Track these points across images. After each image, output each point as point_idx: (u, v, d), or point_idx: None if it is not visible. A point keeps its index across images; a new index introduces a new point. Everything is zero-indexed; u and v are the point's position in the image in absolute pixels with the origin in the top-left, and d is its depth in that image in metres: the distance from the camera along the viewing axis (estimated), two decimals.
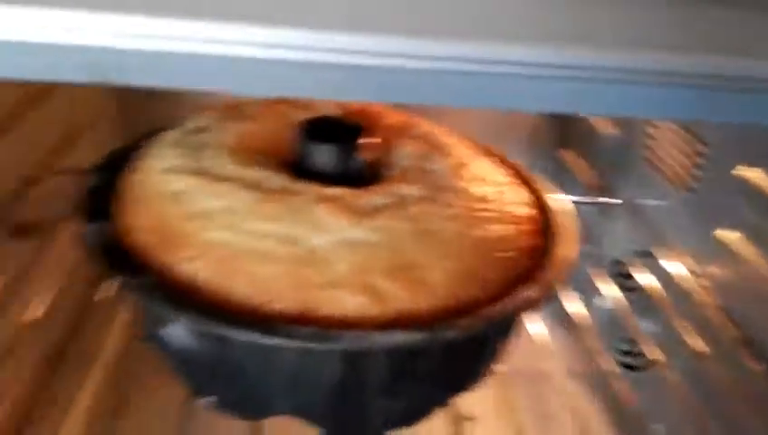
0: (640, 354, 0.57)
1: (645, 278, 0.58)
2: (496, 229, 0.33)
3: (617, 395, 0.48)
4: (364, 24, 0.23)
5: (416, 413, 0.35)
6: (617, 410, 0.59)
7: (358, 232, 0.31)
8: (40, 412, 0.42)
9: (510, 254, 0.33)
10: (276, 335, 0.27)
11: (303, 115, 0.39)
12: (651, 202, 0.57)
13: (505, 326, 0.34)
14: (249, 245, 0.30)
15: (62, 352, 0.53)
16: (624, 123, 0.62)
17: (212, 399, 0.34)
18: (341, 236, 0.30)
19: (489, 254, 0.32)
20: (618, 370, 0.59)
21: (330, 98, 0.30)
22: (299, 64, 0.23)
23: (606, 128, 0.64)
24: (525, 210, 0.37)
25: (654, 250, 0.55)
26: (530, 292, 0.31)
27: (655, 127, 0.56)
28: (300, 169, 0.36)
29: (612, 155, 0.64)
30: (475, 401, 0.60)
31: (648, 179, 0.57)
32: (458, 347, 0.32)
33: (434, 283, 0.30)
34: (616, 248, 0.61)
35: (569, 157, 0.73)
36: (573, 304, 0.69)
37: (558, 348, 0.66)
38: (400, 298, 0.29)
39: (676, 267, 0.52)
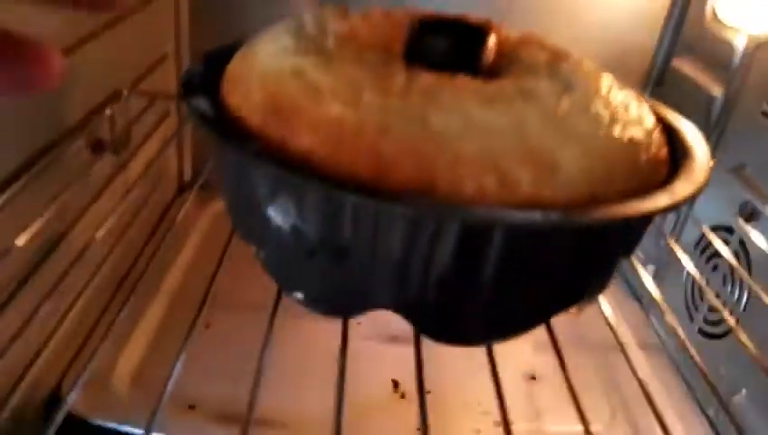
0: (720, 321, 0.53)
1: (732, 246, 0.54)
2: (636, 133, 0.30)
3: (695, 364, 0.44)
4: None
5: (520, 322, 0.32)
6: (694, 381, 0.55)
7: (488, 115, 0.28)
8: (107, 324, 0.41)
9: (649, 159, 0.30)
10: (398, 203, 0.25)
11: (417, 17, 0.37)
12: (761, 163, 0.53)
13: (635, 234, 0.31)
14: (371, 120, 0.28)
15: (134, 267, 0.53)
16: (734, 80, 0.57)
17: (302, 294, 0.32)
18: (470, 117, 0.28)
19: (628, 155, 0.29)
20: (696, 339, 0.55)
21: None
22: None
23: (712, 88, 0.60)
24: (656, 123, 0.34)
25: (758, 210, 0.51)
26: (673, 194, 0.28)
27: None
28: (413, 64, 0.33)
29: (717, 116, 0.59)
30: (541, 363, 0.57)
31: (760, 139, 0.53)
32: (585, 244, 0.29)
33: (570, 174, 0.27)
34: (705, 215, 0.57)
35: None
36: (649, 273, 0.65)
37: (630, 320, 0.63)
38: (533, 183, 0.26)
39: None
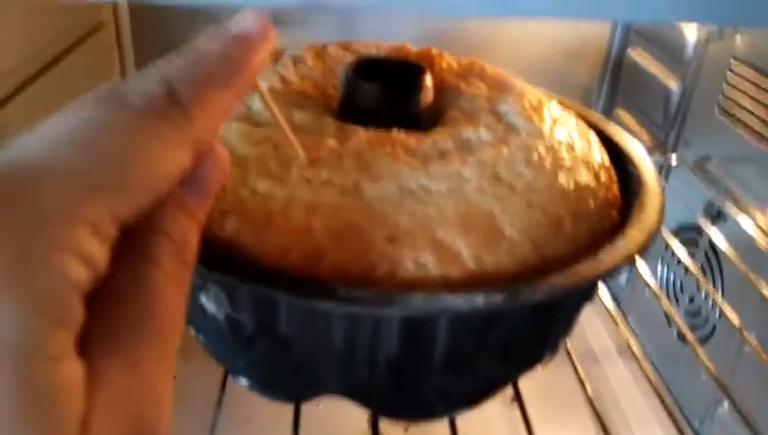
0: (697, 326, 0.53)
1: (702, 247, 0.53)
2: (581, 177, 0.29)
3: (679, 372, 0.44)
4: None
5: (478, 393, 0.30)
6: (677, 385, 0.55)
7: (422, 180, 0.26)
8: None
9: (598, 205, 0.28)
10: (332, 299, 0.23)
11: (352, 59, 0.35)
12: (721, 159, 0.52)
13: (591, 290, 0.29)
14: (298, 195, 0.26)
15: None
16: (688, 74, 0.56)
17: (247, 380, 0.30)
18: (403, 183, 0.26)
19: (576, 204, 0.27)
20: (676, 345, 0.55)
21: None
22: None
23: (667, 80, 0.59)
24: (606, 159, 0.32)
25: (723, 210, 0.50)
26: (626, 248, 0.26)
27: (730, 74, 0.51)
28: (348, 115, 0.31)
29: (675, 110, 0.58)
30: (522, 382, 0.56)
31: (718, 134, 0.52)
32: (536, 313, 0.27)
33: (514, 238, 0.26)
34: (678, 212, 0.56)
35: (626, 117, 0.67)
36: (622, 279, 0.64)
37: (610, 328, 0.62)
38: (474, 256, 0.25)
39: (746, 229, 0.47)
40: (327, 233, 0.25)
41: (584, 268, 0.25)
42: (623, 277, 0.63)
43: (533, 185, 0.27)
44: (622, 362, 0.58)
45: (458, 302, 0.23)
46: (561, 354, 0.56)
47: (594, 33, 0.69)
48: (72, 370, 0.14)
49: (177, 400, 0.16)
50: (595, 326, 0.63)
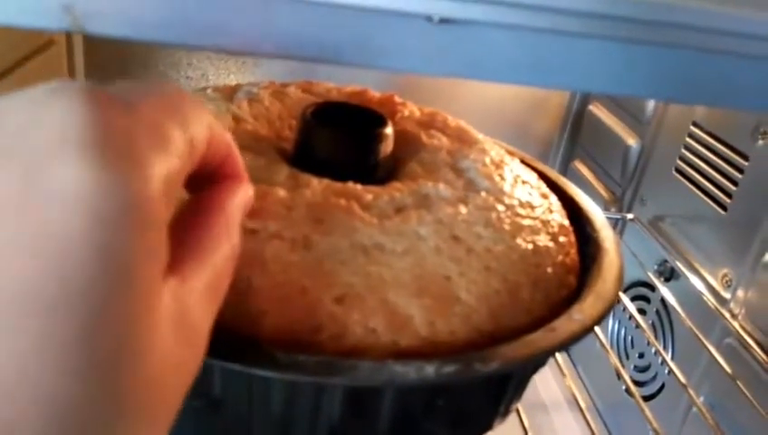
0: (652, 378, 0.53)
1: (653, 304, 0.53)
2: (541, 241, 0.28)
3: (627, 425, 0.43)
4: None
5: None
6: None
7: (376, 237, 0.25)
8: None
9: (556, 271, 0.28)
10: (272, 366, 0.21)
11: (312, 101, 0.34)
12: (676, 218, 0.53)
13: (546, 359, 0.28)
14: (246, 249, 0.24)
15: None
16: (648, 134, 0.57)
17: None
18: (357, 240, 0.25)
19: (534, 269, 0.27)
20: (628, 397, 0.54)
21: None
22: None
23: (627, 138, 0.59)
24: (566, 221, 0.31)
25: (676, 269, 0.51)
26: (583, 319, 0.25)
27: (687, 137, 0.52)
28: (303, 161, 0.30)
29: (633, 167, 0.59)
30: None
31: (674, 194, 0.53)
32: (488, 382, 0.26)
33: (469, 304, 0.24)
34: (633, 268, 0.56)
35: (584, 170, 0.68)
36: None
37: (557, 377, 0.61)
38: (427, 321, 0.24)
39: (698, 288, 0.48)
40: (271, 293, 0.23)
41: (540, 340, 0.24)
42: None
43: (492, 248, 0.26)
44: (570, 413, 0.57)
45: (409, 372, 0.21)
46: None
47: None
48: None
49: None
50: (544, 376, 0.62)
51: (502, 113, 0.69)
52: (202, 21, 0.22)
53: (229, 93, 0.35)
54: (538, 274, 0.27)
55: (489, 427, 0.28)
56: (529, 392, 0.52)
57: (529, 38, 0.21)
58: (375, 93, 0.38)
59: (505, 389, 0.26)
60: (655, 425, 0.42)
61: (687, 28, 0.22)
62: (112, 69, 0.66)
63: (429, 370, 0.21)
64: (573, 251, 0.30)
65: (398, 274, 0.24)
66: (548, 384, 0.62)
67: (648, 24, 0.22)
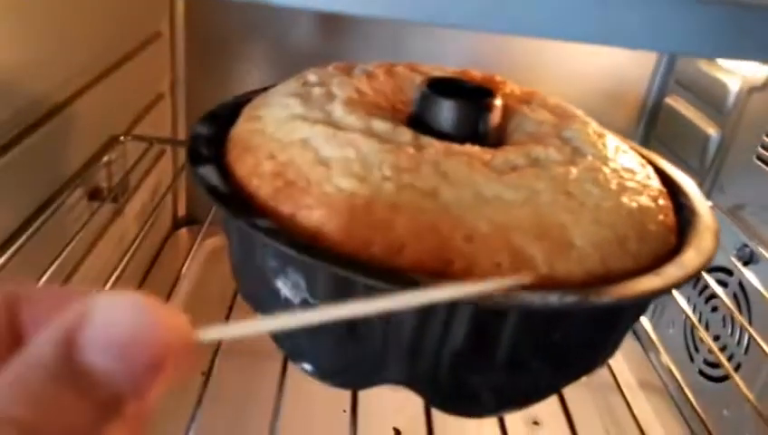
0: (720, 365, 0.54)
1: (731, 288, 0.54)
2: (643, 201, 0.30)
3: (695, 408, 0.45)
4: None
5: (531, 395, 0.32)
6: (695, 425, 0.56)
7: (499, 188, 0.28)
8: None
9: (658, 229, 0.30)
10: (413, 288, 0.24)
11: (420, 78, 0.37)
12: (756, 206, 0.54)
13: (648, 304, 0.31)
14: (380, 194, 0.28)
15: None
16: (728, 123, 0.58)
17: (311, 366, 0.32)
18: (482, 192, 0.28)
19: (640, 226, 0.29)
20: (697, 380, 0.55)
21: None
22: None
23: (707, 128, 0.61)
24: (661, 188, 0.34)
25: (756, 253, 0.52)
26: (685, 268, 0.28)
27: None
28: (418, 129, 0.33)
29: (712, 157, 0.60)
30: (544, 407, 0.57)
31: (755, 182, 0.54)
32: (598, 321, 0.29)
33: (584, 250, 0.27)
34: None
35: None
36: (648, 315, 0.65)
37: (631, 360, 0.63)
38: (547, 261, 0.27)
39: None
40: (407, 229, 0.27)
41: (648, 281, 0.26)
42: (648, 313, 0.64)
43: (601, 204, 0.29)
44: (642, 394, 0.59)
45: (534, 299, 0.24)
46: (581, 383, 0.57)
47: (634, 77, 0.71)
48: None
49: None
50: (616, 358, 0.64)
51: (578, 104, 0.71)
52: None
53: (347, 71, 0.39)
54: (643, 229, 0.29)
55: (593, 366, 0.30)
56: (601, 373, 0.54)
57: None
58: (477, 73, 0.41)
59: (612, 328, 0.29)
60: (750, 397, 0.43)
61: None
62: (211, 58, 0.72)
63: (553, 298, 0.24)
64: (671, 214, 0.32)
65: (519, 220, 0.27)
66: (620, 366, 0.63)
67: None
